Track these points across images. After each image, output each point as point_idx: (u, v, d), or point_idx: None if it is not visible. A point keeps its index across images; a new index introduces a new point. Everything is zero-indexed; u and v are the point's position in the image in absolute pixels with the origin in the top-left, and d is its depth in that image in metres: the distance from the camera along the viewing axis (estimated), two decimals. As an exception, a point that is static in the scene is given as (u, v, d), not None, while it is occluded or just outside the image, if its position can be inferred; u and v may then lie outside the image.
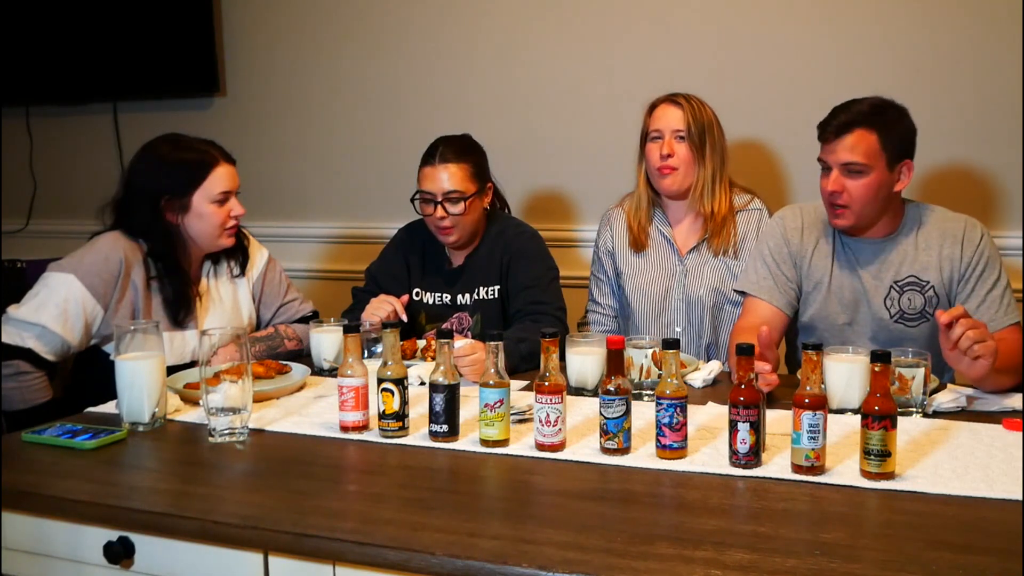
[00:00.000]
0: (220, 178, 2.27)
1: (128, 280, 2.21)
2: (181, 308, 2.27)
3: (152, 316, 2.22)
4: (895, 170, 2.12)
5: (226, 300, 2.41)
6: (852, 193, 2.11)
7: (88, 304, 2.16)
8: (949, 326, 1.83)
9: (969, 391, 1.94)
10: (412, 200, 2.48)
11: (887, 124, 2.09)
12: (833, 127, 2.10)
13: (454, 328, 2.50)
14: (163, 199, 2.24)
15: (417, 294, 2.57)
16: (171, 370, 2.13)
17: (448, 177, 2.41)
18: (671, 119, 2.48)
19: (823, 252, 2.25)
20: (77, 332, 2.16)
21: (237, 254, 2.44)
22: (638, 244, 2.58)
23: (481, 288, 2.52)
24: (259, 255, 2.50)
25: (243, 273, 2.45)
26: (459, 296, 2.53)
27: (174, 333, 2.26)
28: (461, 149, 2.47)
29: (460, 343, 2.13)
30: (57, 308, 2.13)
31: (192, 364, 2.26)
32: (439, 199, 2.41)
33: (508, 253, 2.51)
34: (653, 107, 2.53)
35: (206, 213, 2.26)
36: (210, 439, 1.76)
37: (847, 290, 2.23)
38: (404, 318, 2.42)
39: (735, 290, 2.43)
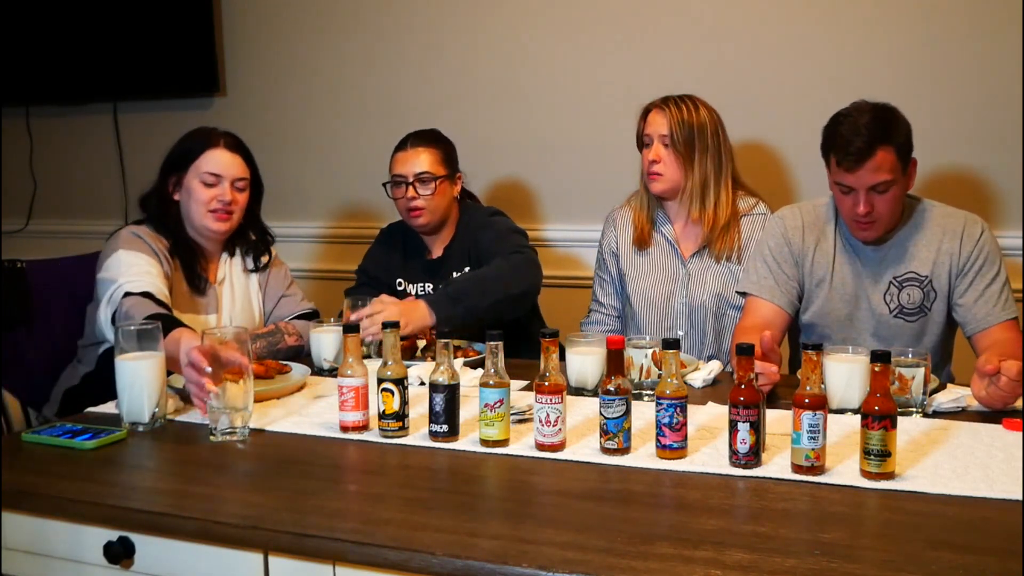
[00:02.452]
0: (212, 159, 2.32)
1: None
2: (195, 274, 2.34)
3: (174, 286, 2.30)
4: (907, 173, 2.14)
5: (238, 290, 2.45)
6: (880, 208, 2.12)
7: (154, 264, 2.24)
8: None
9: (969, 391, 1.94)
10: (385, 185, 2.60)
11: (897, 134, 2.09)
12: (853, 154, 2.06)
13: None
14: (171, 174, 2.35)
15: (400, 283, 2.66)
16: None
17: (419, 160, 2.55)
18: (657, 124, 2.49)
19: (824, 250, 2.27)
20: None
21: (258, 247, 2.48)
22: (642, 242, 2.58)
23: (455, 273, 2.59)
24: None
25: (257, 268, 2.49)
26: (440, 285, 2.60)
27: (195, 316, 2.31)
28: (431, 137, 2.62)
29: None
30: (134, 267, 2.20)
31: None
32: (410, 180, 2.54)
33: (473, 235, 2.61)
34: (646, 112, 2.54)
35: (193, 189, 2.32)
36: (211, 438, 1.76)
37: (848, 286, 2.24)
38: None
39: (737, 291, 2.43)
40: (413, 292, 2.64)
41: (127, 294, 2.12)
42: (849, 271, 2.25)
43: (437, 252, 2.65)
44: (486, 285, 2.38)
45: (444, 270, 2.59)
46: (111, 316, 2.13)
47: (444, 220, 2.61)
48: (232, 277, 2.45)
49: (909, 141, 2.13)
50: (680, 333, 2.53)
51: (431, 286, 2.62)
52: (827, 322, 2.27)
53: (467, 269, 2.58)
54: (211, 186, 2.31)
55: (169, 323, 2.01)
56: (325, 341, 2.27)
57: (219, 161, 2.32)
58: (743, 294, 2.37)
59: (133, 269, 2.19)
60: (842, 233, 2.27)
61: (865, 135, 2.06)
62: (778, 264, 2.29)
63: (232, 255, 2.46)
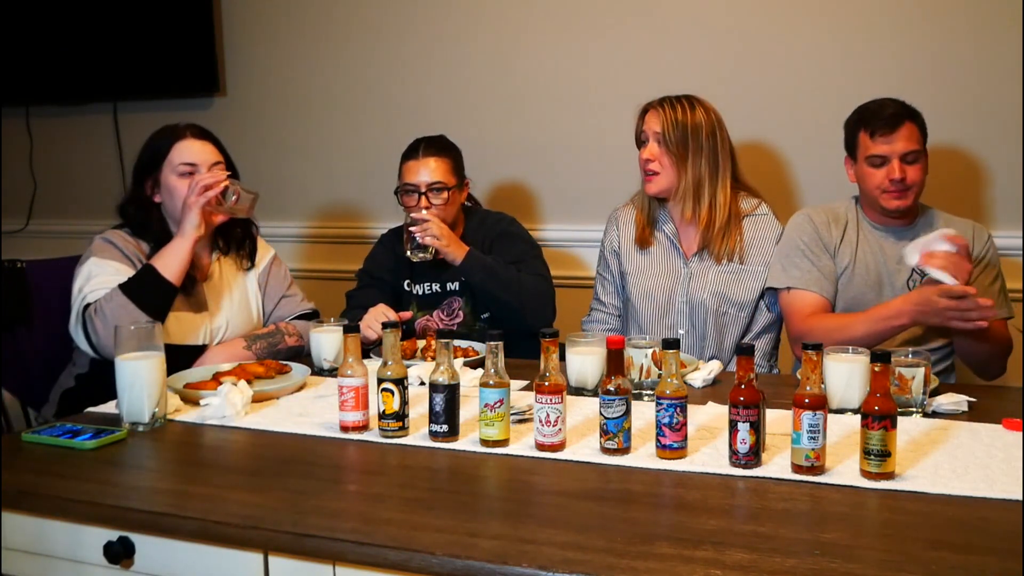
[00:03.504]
0: (183, 150, 2.30)
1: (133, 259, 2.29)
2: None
3: None
4: (926, 156, 2.32)
5: (235, 290, 2.43)
6: (912, 176, 2.29)
7: (123, 270, 2.23)
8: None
9: (971, 398, 1.93)
10: (396, 192, 2.61)
11: (918, 115, 2.30)
12: (886, 121, 2.27)
13: (447, 313, 2.62)
14: (145, 178, 2.33)
15: (408, 285, 2.65)
16: (181, 350, 2.20)
17: (431, 170, 2.56)
18: (652, 123, 2.50)
19: (848, 241, 2.39)
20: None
21: (245, 243, 2.46)
22: (643, 240, 2.58)
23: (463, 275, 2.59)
24: (266, 251, 2.55)
25: (253, 265, 2.48)
26: (448, 284, 2.63)
27: (183, 314, 2.29)
28: (441, 145, 2.62)
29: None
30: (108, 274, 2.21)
31: (201, 347, 2.30)
32: (423, 190, 2.55)
33: (491, 236, 2.65)
34: (644, 111, 2.54)
35: (172, 186, 2.30)
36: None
37: (872, 273, 2.34)
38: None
39: (773, 287, 2.44)
40: (420, 291, 2.65)
41: (87, 305, 2.15)
42: (872, 260, 2.35)
43: None
44: (513, 287, 2.51)
45: (451, 269, 2.58)
46: (83, 331, 2.15)
47: (452, 225, 2.61)
48: (225, 276, 2.43)
49: (926, 129, 2.32)
50: (681, 332, 2.53)
51: (438, 286, 2.63)
52: (852, 307, 2.34)
53: None
54: (188, 176, 2.28)
55: (142, 271, 2.17)
56: (325, 341, 2.27)
57: (191, 150, 2.31)
58: (776, 292, 2.42)
59: (93, 281, 2.20)
60: (864, 225, 2.39)
61: (894, 107, 2.29)
62: (817, 256, 2.38)
63: (225, 253, 2.45)
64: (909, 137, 2.26)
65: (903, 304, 2.16)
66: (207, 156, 2.32)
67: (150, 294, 2.14)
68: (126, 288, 2.14)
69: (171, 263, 2.19)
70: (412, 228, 2.47)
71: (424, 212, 2.51)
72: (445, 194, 2.56)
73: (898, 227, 2.37)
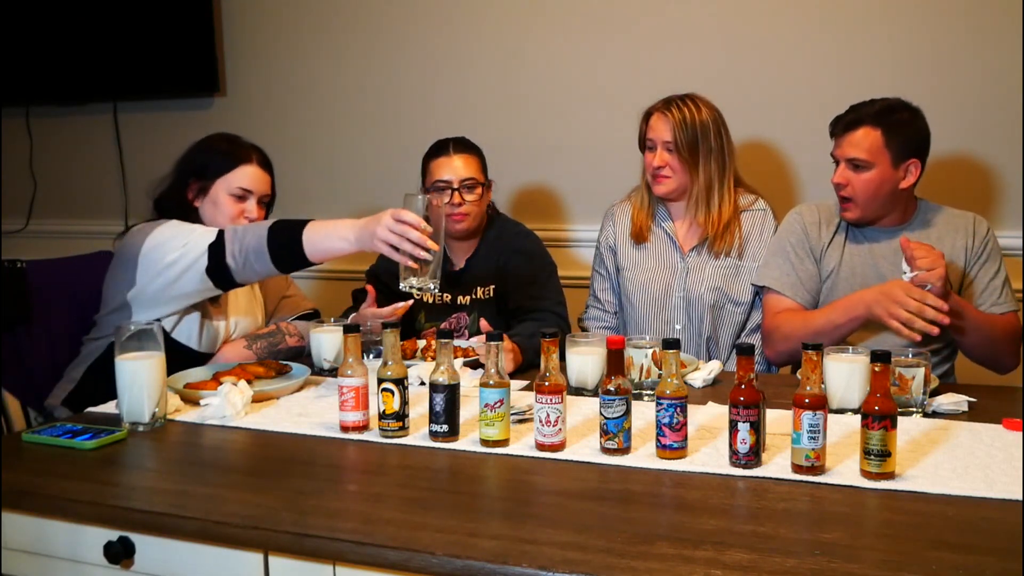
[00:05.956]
0: (246, 175, 2.32)
1: None
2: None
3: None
4: (900, 168, 2.22)
5: (240, 294, 2.43)
6: (855, 186, 2.22)
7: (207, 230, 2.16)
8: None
9: (971, 398, 1.92)
10: (426, 191, 2.54)
11: (894, 123, 2.19)
12: (842, 124, 2.23)
13: (452, 328, 2.54)
14: (191, 179, 2.31)
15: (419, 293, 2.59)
16: (181, 351, 2.18)
17: (464, 165, 2.52)
18: (661, 130, 2.48)
19: (837, 243, 2.35)
20: None
21: None
22: (640, 236, 2.58)
23: (479, 288, 2.56)
24: None
25: None
26: (459, 297, 2.58)
27: (207, 322, 2.28)
28: (468, 144, 2.59)
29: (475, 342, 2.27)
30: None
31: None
32: (456, 186, 2.50)
33: (505, 253, 2.57)
34: (648, 115, 2.53)
35: (221, 202, 2.30)
36: (404, 286, 2.02)
37: (858, 277, 2.30)
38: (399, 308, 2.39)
39: (753, 284, 2.46)
40: (431, 301, 2.58)
41: (221, 234, 2.08)
42: (862, 263, 2.31)
43: (459, 263, 2.60)
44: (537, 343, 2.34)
45: (466, 281, 2.55)
46: (211, 262, 2.06)
47: (480, 226, 2.58)
48: None
49: (913, 141, 2.22)
50: (678, 327, 2.53)
51: (449, 297, 2.57)
52: None
53: (492, 287, 2.55)
54: (240, 199, 2.30)
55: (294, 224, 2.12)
56: (325, 341, 2.27)
57: (252, 178, 2.33)
58: (759, 288, 2.43)
59: (196, 232, 2.12)
60: (854, 226, 2.35)
61: (858, 111, 2.22)
62: (800, 260, 2.35)
63: None
64: (858, 144, 2.19)
65: (862, 295, 2.14)
66: (263, 187, 2.35)
67: (286, 250, 2.07)
68: (273, 229, 2.07)
69: (321, 243, 2.10)
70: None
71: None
72: (479, 190, 2.51)
73: (889, 226, 2.32)
